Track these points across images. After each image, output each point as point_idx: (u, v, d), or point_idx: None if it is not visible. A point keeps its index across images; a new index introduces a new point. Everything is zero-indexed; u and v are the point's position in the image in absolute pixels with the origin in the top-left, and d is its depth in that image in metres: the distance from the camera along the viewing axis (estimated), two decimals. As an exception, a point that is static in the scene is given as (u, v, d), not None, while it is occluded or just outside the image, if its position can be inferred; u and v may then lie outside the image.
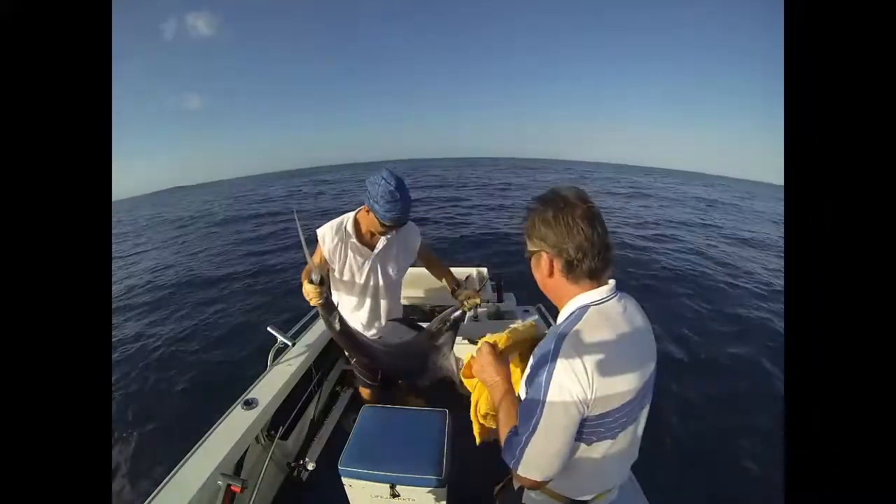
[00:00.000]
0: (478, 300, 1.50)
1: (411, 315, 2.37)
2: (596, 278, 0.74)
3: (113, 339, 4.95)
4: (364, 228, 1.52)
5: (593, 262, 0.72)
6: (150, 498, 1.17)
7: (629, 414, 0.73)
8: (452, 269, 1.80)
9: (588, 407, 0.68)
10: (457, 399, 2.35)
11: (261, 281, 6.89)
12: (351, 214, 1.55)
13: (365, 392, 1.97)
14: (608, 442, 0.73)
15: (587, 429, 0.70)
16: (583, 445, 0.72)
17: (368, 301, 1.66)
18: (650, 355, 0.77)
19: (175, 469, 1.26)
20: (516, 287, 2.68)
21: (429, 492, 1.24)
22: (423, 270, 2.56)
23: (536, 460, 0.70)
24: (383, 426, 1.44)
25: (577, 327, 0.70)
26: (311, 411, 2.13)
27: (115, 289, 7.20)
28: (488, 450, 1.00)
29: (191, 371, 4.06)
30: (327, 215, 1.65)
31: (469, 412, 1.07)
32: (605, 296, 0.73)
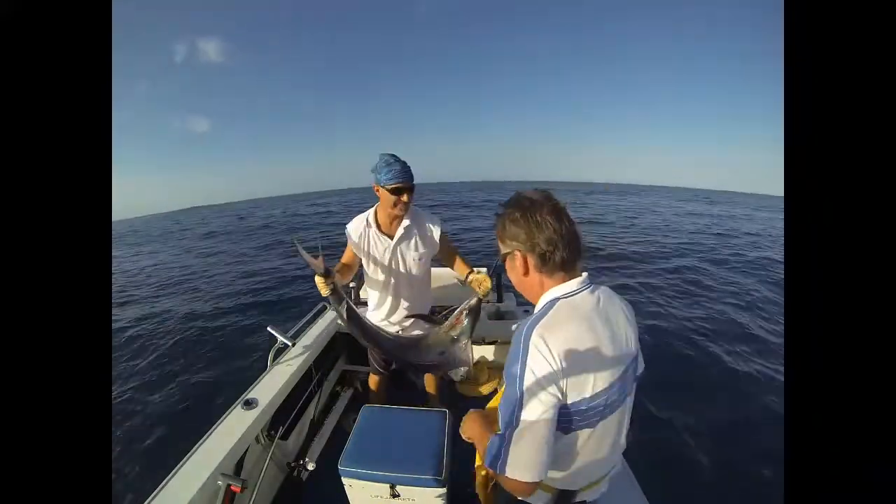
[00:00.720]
0: (489, 284, 1.49)
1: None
2: (569, 270, 0.78)
3: (113, 340, 4.95)
4: (383, 217, 1.59)
5: (565, 253, 0.76)
6: (150, 498, 1.17)
7: (606, 403, 0.73)
8: (449, 271, 1.81)
9: (563, 393, 0.69)
10: (457, 399, 2.36)
11: (262, 283, 6.90)
12: (372, 209, 1.63)
13: (373, 380, 1.98)
14: (587, 431, 0.74)
15: (563, 416, 0.71)
16: (561, 434, 0.73)
17: (392, 290, 1.70)
18: (627, 346, 0.77)
19: (175, 469, 1.26)
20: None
21: (429, 492, 1.24)
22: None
23: (523, 457, 0.68)
24: (383, 426, 1.44)
25: (544, 319, 0.72)
26: (311, 411, 2.13)
27: (115, 289, 7.20)
28: None
29: (191, 371, 4.07)
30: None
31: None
32: (574, 289, 0.76)
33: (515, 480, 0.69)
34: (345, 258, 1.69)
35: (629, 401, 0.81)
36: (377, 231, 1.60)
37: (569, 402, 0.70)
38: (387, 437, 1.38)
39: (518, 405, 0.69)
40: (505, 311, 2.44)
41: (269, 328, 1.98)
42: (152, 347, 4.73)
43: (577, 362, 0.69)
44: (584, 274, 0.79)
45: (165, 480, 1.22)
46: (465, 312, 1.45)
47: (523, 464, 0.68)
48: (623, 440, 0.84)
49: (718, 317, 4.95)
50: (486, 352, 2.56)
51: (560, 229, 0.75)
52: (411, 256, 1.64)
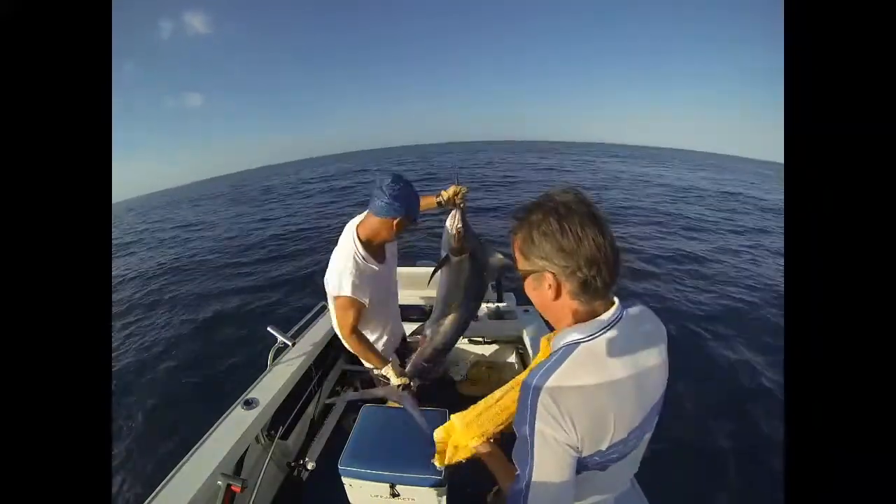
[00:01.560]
0: (464, 190, 1.38)
1: (411, 315, 2.37)
2: (607, 295, 0.67)
3: (113, 339, 4.95)
4: (373, 246, 1.45)
5: (607, 276, 0.63)
6: (150, 498, 1.17)
7: (621, 450, 0.67)
8: None
9: (577, 450, 0.63)
10: (457, 399, 2.35)
11: (262, 280, 6.90)
12: (351, 244, 1.41)
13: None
14: (598, 473, 0.68)
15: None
16: None
17: (393, 307, 1.69)
18: (655, 387, 0.69)
19: (175, 469, 1.26)
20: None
21: (429, 492, 1.24)
22: (421, 270, 2.57)
23: None
24: (383, 426, 1.44)
25: (557, 373, 0.63)
26: (311, 411, 2.14)
27: (115, 289, 7.21)
28: None
29: (191, 371, 4.07)
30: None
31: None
32: (599, 329, 0.65)
33: None
34: (358, 321, 1.43)
35: (647, 436, 0.73)
36: (374, 265, 1.44)
37: (583, 454, 0.64)
38: (387, 437, 1.38)
39: (531, 465, 0.64)
40: (505, 311, 2.44)
41: (269, 328, 1.98)
42: (152, 347, 4.73)
43: (593, 423, 0.62)
44: (615, 305, 0.67)
45: (165, 480, 1.23)
46: (455, 226, 1.28)
47: None
48: (637, 464, 0.79)
49: (725, 311, 4.95)
50: (487, 351, 2.56)
51: (604, 246, 0.61)
52: (396, 261, 1.63)
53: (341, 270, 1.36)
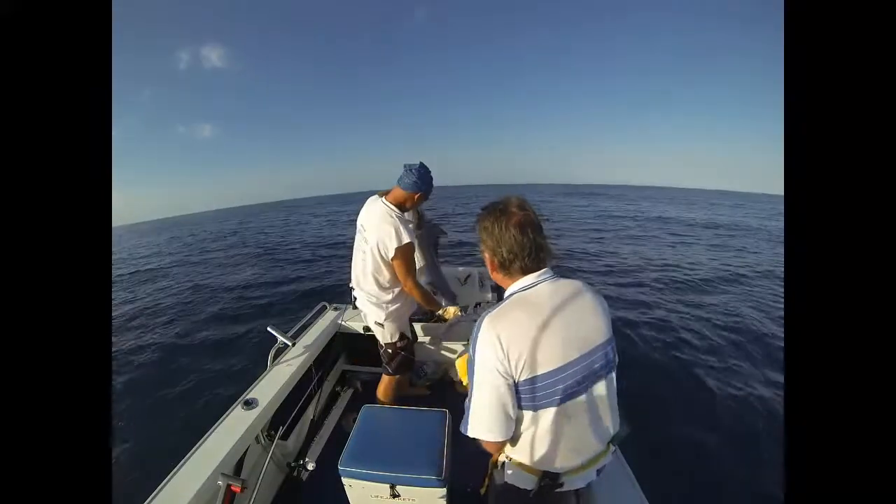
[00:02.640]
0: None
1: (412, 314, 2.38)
2: (530, 272, 0.87)
3: (113, 340, 4.95)
4: (404, 209, 1.73)
5: (524, 263, 0.85)
6: (150, 498, 1.17)
7: (566, 382, 0.80)
8: (453, 270, 1.92)
9: (508, 371, 0.79)
10: (456, 399, 2.35)
11: (262, 282, 6.90)
12: (384, 208, 1.67)
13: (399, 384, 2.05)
14: (552, 409, 0.81)
15: (523, 395, 0.81)
16: (530, 413, 0.83)
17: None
18: (589, 333, 0.84)
19: (175, 469, 1.26)
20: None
21: (429, 492, 1.24)
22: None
23: (477, 419, 0.84)
24: (383, 426, 1.44)
25: (495, 310, 0.84)
26: (311, 411, 2.14)
27: (115, 289, 7.21)
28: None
29: (191, 371, 4.07)
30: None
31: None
32: (530, 282, 0.86)
33: (477, 438, 0.86)
34: (413, 269, 1.74)
35: (603, 385, 0.85)
36: (409, 221, 1.74)
37: (521, 378, 0.79)
38: (387, 437, 1.38)
39: (473, 380, 0.85)
40: None
41: (269, 328, 1.98)
42: (151, 347, 4.73)
43: (518, 343, 0.78)
44: (545, 268, 0.88)
45: (165, 480, 1.22)
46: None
47: (478, 424, 0.84)
48: (605, 425, 0.88)
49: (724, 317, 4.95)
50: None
51: (522, 241, 0.83)
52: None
53: (392, 226, 1.61)
